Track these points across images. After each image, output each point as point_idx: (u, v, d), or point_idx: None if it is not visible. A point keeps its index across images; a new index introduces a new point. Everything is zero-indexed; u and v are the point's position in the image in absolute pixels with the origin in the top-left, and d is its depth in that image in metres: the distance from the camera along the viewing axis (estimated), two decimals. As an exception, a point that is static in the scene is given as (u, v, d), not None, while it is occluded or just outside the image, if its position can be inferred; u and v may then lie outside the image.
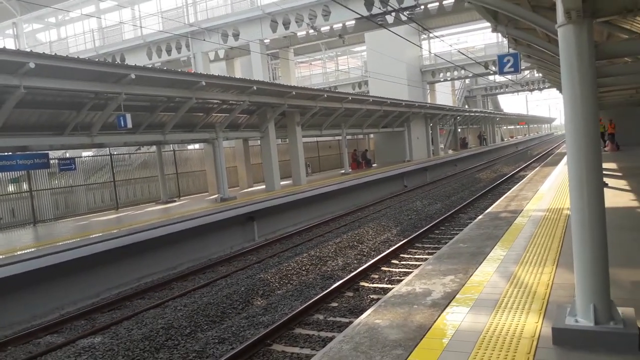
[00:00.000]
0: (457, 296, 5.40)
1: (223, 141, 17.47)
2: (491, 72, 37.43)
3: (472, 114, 47.81)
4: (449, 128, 47.13)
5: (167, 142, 17.28)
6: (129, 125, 12.71)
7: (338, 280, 9.75)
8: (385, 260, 11.16)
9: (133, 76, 12.05)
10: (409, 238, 12.90)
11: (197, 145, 24.55)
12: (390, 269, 10.56)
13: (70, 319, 9.15)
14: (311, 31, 28.81)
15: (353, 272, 10.20)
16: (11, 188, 15.65)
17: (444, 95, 53.78)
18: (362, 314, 7.36)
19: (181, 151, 21.99)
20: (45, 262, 9.49)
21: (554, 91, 62.02)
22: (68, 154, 23.36)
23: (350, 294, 9.12)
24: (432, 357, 3.96)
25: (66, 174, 16.57)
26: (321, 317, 8.05)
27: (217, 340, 7.37)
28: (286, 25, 26.96)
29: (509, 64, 9.19)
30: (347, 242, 13.19)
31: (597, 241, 3.93)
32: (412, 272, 7.76)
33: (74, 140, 13.45)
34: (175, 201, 18.80)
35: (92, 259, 10.47)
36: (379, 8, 23.24)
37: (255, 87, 16.11)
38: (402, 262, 11.09)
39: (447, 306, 5.11)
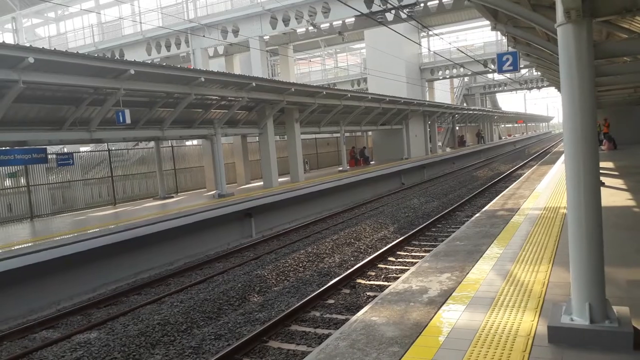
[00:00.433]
0: (454, 294, 5.41)
1: (221, 137, 17.44)
2: (490, 70, 37.44)
3: (471, 112, 47.83)
4: (447, 126, 47.15)
5: (166, 138, 17.25)
6: (128, 120, 12.69)
7: (335, 277, 9.77)
8: (382, 258, 11.18)
9: (132, 72, 12.02)
10: (405, 235, 12.91)
11: (195, 142, 24.55)
12: (387, 266, 10.57)
13: (66, 314, 9.14)
14: (311, 28, 28.80)
15: (350, 269, 10.21)
16: (8, 182, 15.62)
17: (443, 93, 53.87)
18: (358, 311, 7.38)
19: (179, 147, 21.96)
20: (42, 257, 9.48)
21: (552, 90, 62.09)
22: (66, 149, 23.32)
23: (347, 291, 9.13)
24: (429, 355, 3.97)
25: (63, 168, 16.53)
26: (318, 314, 8.06)
27: (213, 337, 7.37)
28: (286, 22, 26.95)
29: (508, 62, 9.19)
30: (344, 239, 13.20)
31: (593, 240, 3.95)
32: (408, 269, 7.77)
33: (72, 136, 13.42)
34: (173, 197, 18.79)
35: (89, 254, 10.46)
36: (379, 5, 23.22)
37: (254, 84, 16.09)
38: (398, 260, 11.10)
39: (443, 304, 5.12)
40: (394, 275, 9.84)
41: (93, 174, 18.26)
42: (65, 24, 42.05)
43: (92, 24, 35.58)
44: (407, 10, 23.76)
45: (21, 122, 12.34)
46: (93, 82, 11.90)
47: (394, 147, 32.21)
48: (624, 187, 12.33)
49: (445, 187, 23.57)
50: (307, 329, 7.41)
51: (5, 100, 10.64)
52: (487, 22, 9.07)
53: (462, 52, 30.20)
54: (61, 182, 16.88)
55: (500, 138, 72.16)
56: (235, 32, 28.16)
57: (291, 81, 23.87)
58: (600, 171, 4.52)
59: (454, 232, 10.90)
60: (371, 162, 31.47)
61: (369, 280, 9.70)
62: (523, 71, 43.36)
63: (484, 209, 11.55)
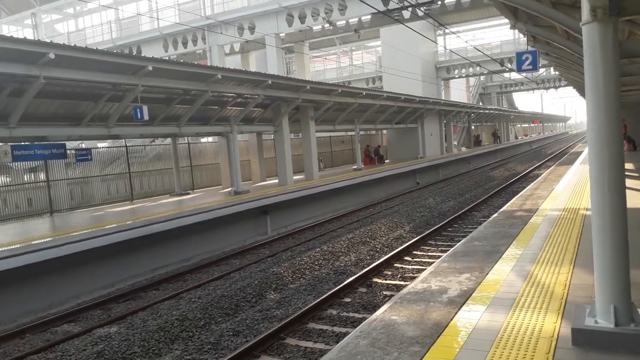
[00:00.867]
0: (474, 294, 5.39)
1: (237, 135, 17.52)
2: (507, 69, 37.11)
3: (487, 112, 47.45)
4: (463, 125, 46.83)
5: (183, 135, 17.38)
6: (146, 117, 12.80)
7: (351, 276, 9.77)
8: (398, 257, 11.16)
9: (150, 68, 12.13)
10: (421, 235, 12.87)
11: (210, 138, 24.67)
12: (403, 266, 10.55)
13: (87, 308, 9.27)
14: (327, 25, 28.76)
15: (366, 268, 10.21)
16: (27, 177, 15.84)
17: (459, 91, 53.51)
18: (375, 310, 7.38)
19: (195, 144, 22.08)
20: (63, 252, 9.62)
21: (569, 90, 61.33)
22: (84, 144, 23.60)
23: (363, 289, 9.14)
24: (450, 355, 3.96)
25: (81, 164, 16.73)
26: (334, 312, 8.08)
27: (231, 333, 7.42)
28: (302, 19, 26.93)
29: (528, 62, 9.12)
30: (360, 238, 13.19)
31: (617, 242, 3.90)
32: (425, 269, 7.77)
33: (91, 131, 13.58)
34: (189, 194, 18.92)
35: (107, 249, 10.58)
36: (396, 2, 23.12)
37: (270, 81, 16.14)
38: (415, 259, 11.08)
39: (463, 304, 5.10)
40: (411, 274, 9.82)
41: (110, 169, 18.45)
42: (84, 20, 42.51)
43: (110, 20, 35.92)
44: (424, 7, 23.64)
45: (41, 118, 12.51)
46: (112, 78, 12.04)
47: (409, 146, 32.08)
48: (644, 188, 12.15)
49: (460, 187, 23.44)
50: (324, 327, 7.43)
51: (26, 95, 10.80)
52: (504, 21, 9.01)
53: (479, 51, 29.96)
54: (79, 178, 17.08)
55: (516, 138, 71.52)
56: (252, 29, 28.23)
57: (306, 79, 23.85)
58: (625, 172, 4.45)
59: (470, 232, 10.84)
60: (386, 161, 31.40)
61: (385, 280, 9.69)
62: (540, 70, 42.90)
63: (501, 209, 11.48)
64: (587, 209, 10.22)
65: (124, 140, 19.51)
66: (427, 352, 4.04)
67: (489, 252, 7.25)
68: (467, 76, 48.00)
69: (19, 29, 41.38)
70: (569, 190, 13.39)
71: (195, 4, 31.51)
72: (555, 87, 54.20)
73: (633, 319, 3.86)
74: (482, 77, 58.18)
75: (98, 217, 13.92)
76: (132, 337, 7.36)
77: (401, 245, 12.19)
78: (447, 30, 34.81)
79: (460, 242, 8.28)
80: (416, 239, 12.48)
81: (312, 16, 26.43)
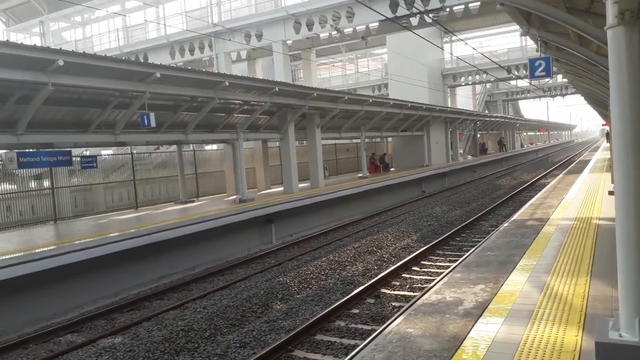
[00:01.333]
0: (490, 306, 5.22)
1: (242, 142, 17.42)
2: (514, 76, 36.95)
3: (493, 119, 47.24)
4: (469, 133, 46.62)
5: (189, 142, 17.28)
6: (153, 124, 12.70)
7: (358, 286, 9.58)
8: (406, 267, 10.98)
9: (158, 75, 12.05)
10: (429, 245, 12.68)
11: (215, 146, 24.59)
12: (412, 276, 10.37)
13: (90, 318, 9.12)
14: (334, 33, 28.71)
15: (373, 278, 10.03)
16: (31, 185, 15.74)
17: (465, 99, 53.35)
18: (384, 321, 7.23)
19: (200, 151, 21.99)
20: (66, 260, 9.48)
21: (575, 98, 60.98)
22: (88, 151, 23.54)
23: (372, 300, 8.96)
24: (469, 371, 3.80)
25: (85, 171, 16.62)
26: (342, 323, 7.90)
27: (238, 344, 7.25)
28: (309, 26, 26.90)
29: (541, 68, 8.94)
30: (366, 247, 13.01)
31: (643, 252, 3.74)
32: (434, 279, 7.62)
33: (97, 138, 13.49)
34: (194, 201, 18.80)
35: (111, 257, 10.44)
36: (405, 8, 23.02)
37: (277, 88, 16.04)
38: (423, 270, 10.89)
39: (480, 316, 4.93)
40: (419, 285, 9.64)
41: (114, 177, 18.35)
42: (91, 28, 42.68)
43: (117, 27, 36.03)
44: (433, 15, 23.53)
45: (48, 125, 12.43)
46: (120, 85, 11.97)
47: (414, 154, 31.91)
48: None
49: (467, 196, 23.24)
50: (333, 339, 7.25)
51: (34, 102, 10.74)
52: (511, 28, 8.99)
53: (487, 58, 29.82)
54: (83, 185, 16.98)
55: (522, 146, 71.22)
56: (259, 37, 28.20)
57: (313, 86, 23.78)
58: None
59: (479, 241, 10.67)
60: (391, 169, 31.23)
61: (394, 290, 9.51)
62: (547, 78, 42.71)
63: (512, 219, 11.30)
64: (599, 219, 10.05)
65: (129, 147, 19.42)
66: (445, 367, 3.88)
67: (502, 262, 7.08)
68: (474, 83, 47.87)
69: (27, 36, 41.54)
70: (579, 200, 13.20)
71: (202, 11, 31.58)
72: (562, 95, 53.89)
73: (660, 334, 3.68)
74: (488, 85, 58.01)
75: (102, 224, 13.81)
76: (137, 347, 7.20)
77: (409, 255, 12.00)
78: (453, 37, 34.76)
79: (472, 252, 8.12)
80: (424, 248, 12.30)
81: (320, 23, 26.39)
